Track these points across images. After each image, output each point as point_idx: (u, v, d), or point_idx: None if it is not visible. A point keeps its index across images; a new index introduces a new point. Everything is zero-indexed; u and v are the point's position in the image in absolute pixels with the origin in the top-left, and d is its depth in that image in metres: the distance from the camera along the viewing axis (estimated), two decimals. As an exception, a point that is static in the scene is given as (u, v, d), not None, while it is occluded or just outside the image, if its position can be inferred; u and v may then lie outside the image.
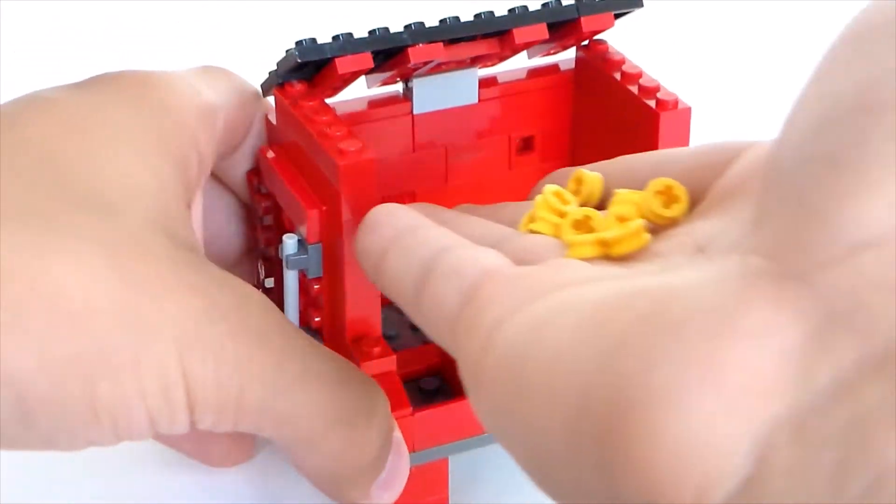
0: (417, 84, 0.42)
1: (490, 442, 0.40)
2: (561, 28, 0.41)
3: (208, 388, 0.32)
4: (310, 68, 0.39)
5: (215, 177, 0.42)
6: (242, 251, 0.44)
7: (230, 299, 0.33)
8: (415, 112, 0.42)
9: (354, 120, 0.42)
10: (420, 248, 0.31)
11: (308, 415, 0.35)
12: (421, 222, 0.32)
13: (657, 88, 0.40)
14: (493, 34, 0.40)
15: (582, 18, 0.41)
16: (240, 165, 0.42)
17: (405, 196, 0.44)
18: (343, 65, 0.38)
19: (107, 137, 0.35)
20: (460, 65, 0.41)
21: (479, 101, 0.43)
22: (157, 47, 0.66)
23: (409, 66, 0.39)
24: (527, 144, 0.45)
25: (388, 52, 0.39)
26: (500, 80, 0.44)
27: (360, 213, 0.37)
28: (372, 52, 0.38)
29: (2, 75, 0.36)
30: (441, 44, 0.39)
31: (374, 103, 0.42)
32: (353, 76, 0.39)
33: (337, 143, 0.37)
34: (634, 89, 0.41)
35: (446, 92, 0.42)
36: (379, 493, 0.38)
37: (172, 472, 0.43)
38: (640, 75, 0.41)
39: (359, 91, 0.42)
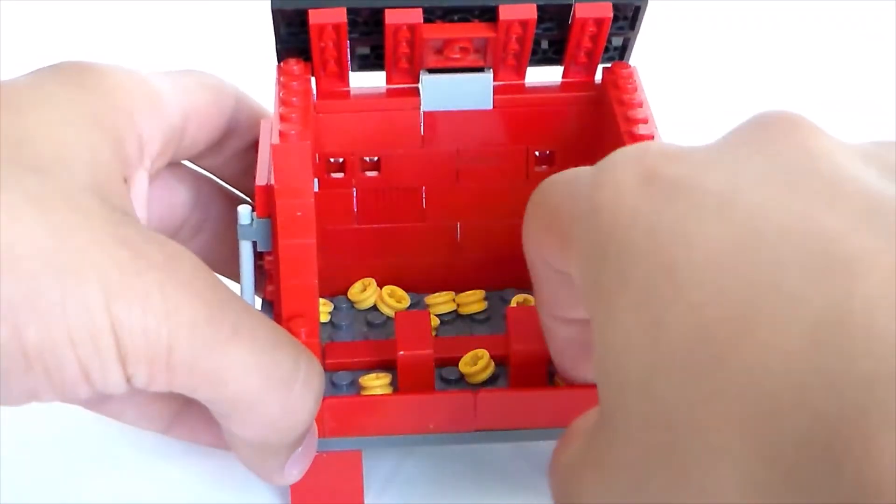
0: (427, 81, 0.42)
1: (406, 444, 0.40)
2: (554, 12, 0.40)
3: (136, 336, 0.34)
4: (301, 39, 0.40)
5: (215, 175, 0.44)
6: None
7: (159, 254, 0.35)
8: (423, 109, 0.42)
9: (363, 107, 0.42)
10: None
11: (243, 372, 0.35)
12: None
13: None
14: (481, 11, 0.40)
15: (576, 4, 0.40)
16: (235, 163, 0.44)
17: (411, 191, 0.44)
18: (315, 16, 0.38)
19: (43, 113, 0.36)
20: (465, 54, 0.41)
21: (500, 108, 0.43)
22: (156, 48, 0.67)
23: (388, 25, 0.39)
24: (547, 158, 0.44)
25: (368, 18, 0.39)
26: (526, 90, 0.43)
27: (290, 195, 0.37)
28: (349, 12, 0.39)
29: (2, 74, 0.39)
30: (420, 10, 0.39)
31: (391, 93, 0.43)
32: (337, 43, 0.40)
33: (282, 123, 0.37)
34: (628, 133, 0.40)
35: (457, 93, 0.42)
36: (289, 468, 0.39)
37: (172, 470, 0.44)
38: (640, 121, 0.40)
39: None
